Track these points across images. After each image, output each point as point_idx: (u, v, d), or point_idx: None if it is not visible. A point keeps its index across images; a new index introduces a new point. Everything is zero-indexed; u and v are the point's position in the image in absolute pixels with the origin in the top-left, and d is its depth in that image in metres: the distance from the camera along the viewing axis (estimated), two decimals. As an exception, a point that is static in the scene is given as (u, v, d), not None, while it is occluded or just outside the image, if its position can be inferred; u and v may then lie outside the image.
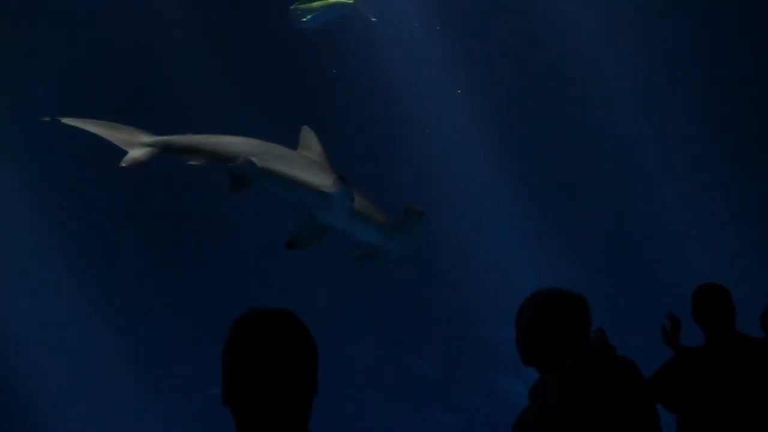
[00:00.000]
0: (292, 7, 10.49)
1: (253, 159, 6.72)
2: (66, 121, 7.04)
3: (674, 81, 13.09)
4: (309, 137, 7.37)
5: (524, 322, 2.68)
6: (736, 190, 12.98)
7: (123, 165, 6.89)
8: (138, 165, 6.99)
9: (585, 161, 13.77)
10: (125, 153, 6.95)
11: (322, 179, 6.77)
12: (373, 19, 11.72)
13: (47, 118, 7.03)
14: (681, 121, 13.27)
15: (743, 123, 13.04)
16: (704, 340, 4.38)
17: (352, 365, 12.19)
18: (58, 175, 12.53)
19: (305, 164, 7.00)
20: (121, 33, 12.06)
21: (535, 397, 2.75)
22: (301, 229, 7.05)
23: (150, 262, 12.94)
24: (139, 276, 12.91)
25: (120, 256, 12.99)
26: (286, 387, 1.86)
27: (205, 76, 12.24)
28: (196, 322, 12.36)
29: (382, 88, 12.96)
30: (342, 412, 11.27)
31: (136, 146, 6.98)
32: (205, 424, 11.48)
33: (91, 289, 12.65)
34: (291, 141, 7.41)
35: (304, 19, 10.18)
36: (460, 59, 13.39)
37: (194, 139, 7.06)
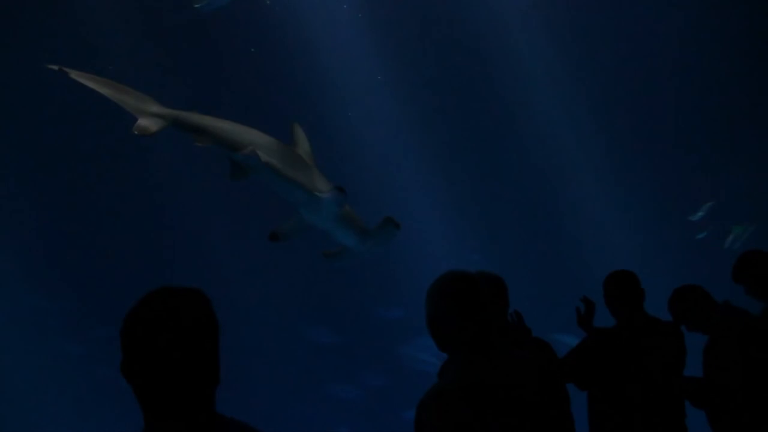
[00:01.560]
0: None
1: (258, 152, 6.88)
2: (75, 75, 6.77)
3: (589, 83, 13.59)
4: (299, 135, 7.63)
5: (431, 304, 2.71)
6: (645, 184, 13.60)
7: (135, 133, 6.84)
8: (149, 135, 6.91)
9: (503, 148, 14.06)
10: (134, 117, 6.90)
11: (318, 183, 7.13)
12: (268, 2, 11.72)
13: (54, 67, 6.71)
14: (597, 119, 13.73)
15: (651, 125, 13.64)
16: (615, 323, 4.59)
17: (254, 343, 12.13)
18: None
19: (304, 165, 7.27)
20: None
21: (441, 376, 2.81)
22: (287, 223, 7.42)
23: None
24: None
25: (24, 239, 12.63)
26: (184, 365, 1.86)
27: (133, 50, 12.11)
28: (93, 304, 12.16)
29: (303, 69, 12.89)
30: (243, 387, 11.21)
31: (147, 115, 6.93)
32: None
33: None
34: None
35: (197, 5, 10.16)
36: (382, 42, 13.43)
37: (204, 120, 7.10)
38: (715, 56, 12.90)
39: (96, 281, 12.88)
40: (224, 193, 12.74)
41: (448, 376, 2.68)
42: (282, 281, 13.01)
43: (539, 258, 13.53)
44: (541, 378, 2.74)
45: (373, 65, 13.63)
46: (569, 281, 12.16)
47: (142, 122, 6.86)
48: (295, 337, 13.03)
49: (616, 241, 13.31)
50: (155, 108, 7.00)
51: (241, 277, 12.68)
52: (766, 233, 11.41)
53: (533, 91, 14.00)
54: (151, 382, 1.87)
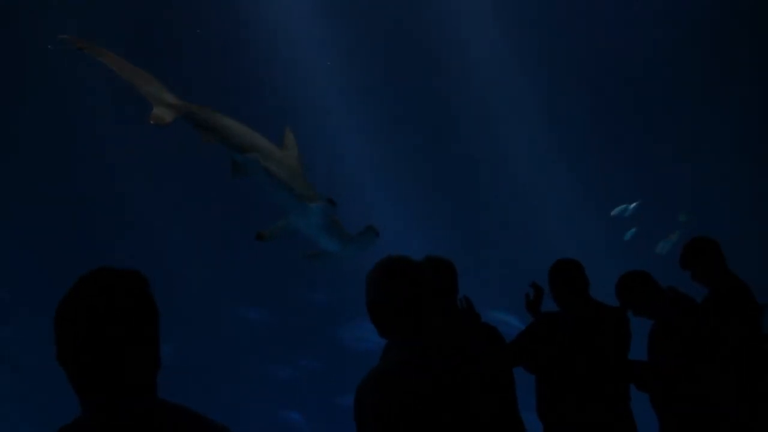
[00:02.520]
0: None
1: (258, 156, 7.22)
2: (91, 50, 6.71)
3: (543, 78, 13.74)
4: (290, 139, 7.96)
5: (371, 289, 2.69)
6: (592, 177, 13.83)
7: (151, 122, 6.97)
8: (162, 125, 7.01)
9: (451, 139, 14.14)
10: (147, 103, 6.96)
11: (308, 191, 7.53)
12: None
13: (65, 36, 6.73)
14: (545, 109, 13.89)
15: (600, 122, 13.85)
16: (559, 309, 4.63)
17: (189, 319, 12.00)
18: None
19: (297, 173, 7.63)
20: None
21: (382, 360, 2.80)
22: (274, 226, 7.76)
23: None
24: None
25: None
26: (120, 348, 1.80)
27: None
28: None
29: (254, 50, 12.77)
30: (179, 366, 11.08)
31: (162, 104, 7.04)
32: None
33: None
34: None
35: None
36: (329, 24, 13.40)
37: (214, 118, 7.29)
38: (658, 41, 13.16)
39: (29, 267, 12.57)
40: (160, 175, 12.57)
41: (388, 359, 2.66)
42: (217, 261, 12.88)
43: (479, 241, 13.62)
44: (485, 362, 2.72)
45: (321, 51, 13.61)
46: (509, 263, 12.42)
47: (158, 111, 6.96)
48: (231, 318, 12.91)
49: (563, 229, 13.47)
50: (170, 98, 7.09)
51: (177, 258, 12.50)
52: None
53: (484, 81, 14.10)
54: (85, 367, 1.80)
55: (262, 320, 12.82)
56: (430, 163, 14.25)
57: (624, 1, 13.39)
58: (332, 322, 12.40)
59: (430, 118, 14.14)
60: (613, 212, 12.52)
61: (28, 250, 12.67)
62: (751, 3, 12.82)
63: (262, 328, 12.77)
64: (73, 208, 12.86)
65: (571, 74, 13.73)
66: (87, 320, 1.80)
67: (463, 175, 14.33)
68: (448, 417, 2.52)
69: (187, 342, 11.74)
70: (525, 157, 14.30)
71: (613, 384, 4.39)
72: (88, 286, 1.85)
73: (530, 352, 4.38)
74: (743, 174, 13.08)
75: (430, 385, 2.53)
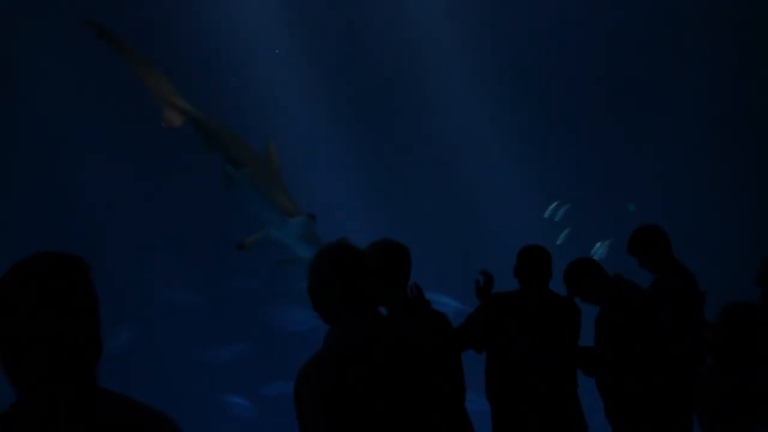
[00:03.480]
0: None
1: (249, 172, 7.57)
2: (110, 42, 6.81)
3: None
4: (272, 151, 8.42)
5: (313, 274, 2.70)
6: (547, 162, 13.99)
7: (163, 125, 7.22)
8: (172, 129, 7.28)
9: (412, 122, 14.15)
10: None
11: (291, 208, 7.95)
12: None
13: (90, 21, 6.80)
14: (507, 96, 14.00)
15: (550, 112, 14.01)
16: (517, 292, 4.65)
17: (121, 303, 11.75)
18: None
19: (281, 188, 8.03)
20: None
21: (322, 346, 2.78)
22: (254, 236, 8.16)
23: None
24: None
25: None
26: (54, 334, 1.73)
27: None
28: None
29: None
30: (116, 354, 10.85)
31: (171, 107, 7.26)
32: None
33: None
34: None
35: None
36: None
37: (217, 128, 7.63)
38: (603, 30, 13.38)
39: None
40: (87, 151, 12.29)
41: (329, 346, 2.66)
42: (149, 245, 12.67)
43: (426, 228, 13.67)
44: (429, 348, 2.72)
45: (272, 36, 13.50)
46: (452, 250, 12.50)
47: (168, 115, 7.23)
48: (164, 303, 12.70)
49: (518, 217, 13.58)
50: (180, 101, 7.37)
51: (110, 243, 12.26)
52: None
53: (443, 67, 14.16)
54: (20, 355, 1.73)
55: (195, 305, 12.67)
56: (375, 147, 14.25)
57: None
58: (264, 305, 12.25)
59: (378, 104, 14.11)
60: (546, 213, 12.68)
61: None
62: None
63: (195, 313, 12.61)
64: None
65: (517, 63, 13.83)
66: (21, 307, 1.73)
67: (410, 162, 14.37)
68: (387, 405, 2.53)
69: (121, 327, 11.62)
70: (471, 143, 14.36)
71: (561, 368, 4.43)
72: (23, 271, 1.77)
73: (479, 336, 4.40)
74: (686, 165, 13.39)
75: (369, 373, 2.53)
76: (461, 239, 13.48)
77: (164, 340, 12.49)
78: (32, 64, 12.00)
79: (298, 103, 13.72)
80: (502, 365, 4.39)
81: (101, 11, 9.39)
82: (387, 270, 3.65)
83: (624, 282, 4.91)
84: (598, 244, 11.94)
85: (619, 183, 13.66)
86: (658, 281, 5.01)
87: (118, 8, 11.41)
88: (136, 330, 12.13)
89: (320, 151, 13.88)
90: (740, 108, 13.17)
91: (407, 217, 13.23)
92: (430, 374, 2.66)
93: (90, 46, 7.60)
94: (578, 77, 13.66)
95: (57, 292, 1.75)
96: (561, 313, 4.48)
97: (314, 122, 13.93)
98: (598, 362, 4.75)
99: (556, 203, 12.63)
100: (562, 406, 4.35)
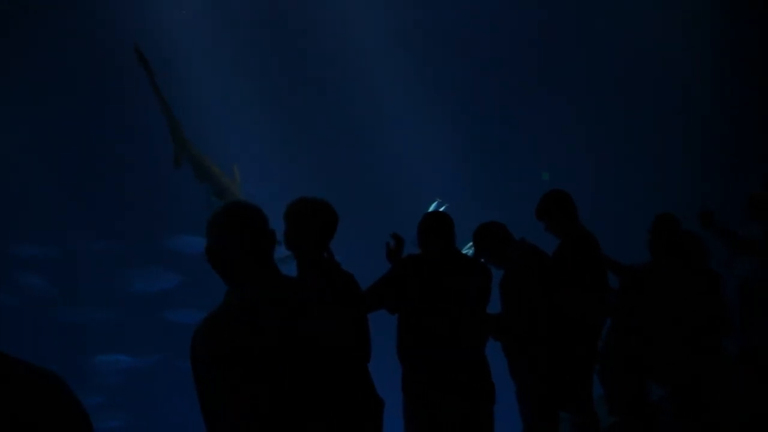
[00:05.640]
0: None
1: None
2: (143, 59, 7.89)
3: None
4: (237, 175, 9.16)
5: (212, 232, 2.64)
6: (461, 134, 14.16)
7: (174, 165, 8.51)
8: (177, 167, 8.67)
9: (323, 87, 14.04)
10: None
11: None
12: None
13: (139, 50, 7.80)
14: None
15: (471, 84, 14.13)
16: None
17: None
18: None
19: None
20: None
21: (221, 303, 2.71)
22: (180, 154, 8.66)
23: None
24: None
25: None
26: None
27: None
28: None
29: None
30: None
31: (182, 150, 8.53)
32: None
33: None
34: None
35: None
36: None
37: (207, 163, 8.68)
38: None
39: None
40: None
41: (227, 303, 2.61)
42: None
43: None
44: (332, 309, 2.70)
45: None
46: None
47: (177, 157, 8.54)
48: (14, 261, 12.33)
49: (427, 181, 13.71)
50: (188, 145, 8.50)
51: None
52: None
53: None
54: None
55: (50, 268, 12.32)
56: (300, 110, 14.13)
57: None
58: (124, 267, 12.02)
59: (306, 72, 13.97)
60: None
61: None
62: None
63: (49, 275, 12.26)
64: None
65: (450, 45, 13.91)
66: None
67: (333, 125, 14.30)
68: (285, 366, 2.49)
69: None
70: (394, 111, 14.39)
71: (467, 327, 4.45)
72: None
73: (388, 296, 4.38)
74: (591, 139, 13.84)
75: (266, 333, 2.49)
76: (375, 206, 13.53)
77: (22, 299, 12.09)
78: None
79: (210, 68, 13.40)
80: (411, 325, 4.40)
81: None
82: (306, 229, 3.64)
83: (527, 245, 5.00)
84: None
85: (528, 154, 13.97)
86: (562, 245, 5.12)
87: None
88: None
89: (240, 115, 13.66)
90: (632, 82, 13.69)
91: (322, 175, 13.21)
92: (331, 336, 2.62)
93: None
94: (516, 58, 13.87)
95: None
96: (466, 273, 4.50)
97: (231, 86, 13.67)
98: (503, 325, 4.83)
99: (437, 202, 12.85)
100: (470, 365, 4.40)
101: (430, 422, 4.34)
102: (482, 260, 4.84)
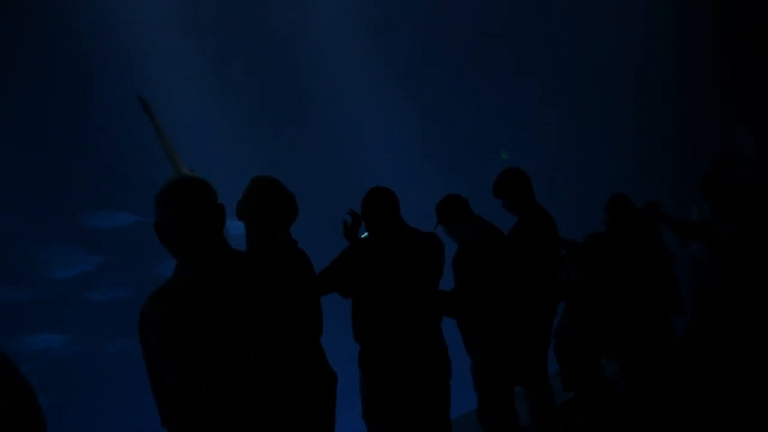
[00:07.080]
0: None
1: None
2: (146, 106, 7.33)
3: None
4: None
5: (159, 207, 2.64)
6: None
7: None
8: None
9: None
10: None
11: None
12: None
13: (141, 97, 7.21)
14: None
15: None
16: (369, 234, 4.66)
17: None
18: None
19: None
20: None
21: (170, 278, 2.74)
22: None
23: None
24: None
25: None
26: None
27: None
28: None
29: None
30: None
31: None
32: None
33: None
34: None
35: None
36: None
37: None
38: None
39: None
40: None
41: (174, 277, 2.63)
42: None
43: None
44: (278, 280, 2.70)
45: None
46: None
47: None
48: None
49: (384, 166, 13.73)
50: (183, 168, 7.95)
51: None
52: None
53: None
54: None
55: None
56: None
57: None
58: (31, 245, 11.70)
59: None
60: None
61: None
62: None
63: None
64: None
65: (408, 21, 13.89)
66: None
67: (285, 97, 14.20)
68: (232, 341, 2.49)
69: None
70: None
71: (422, 304, 4.46)
72: None
73: (340, 276, 4.38)
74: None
75: (211, 305, 2.49)
76: (332, 186, 13.52)
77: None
78: None
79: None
80: (365, 304, 4.40)
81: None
82: (257, 202, 3.68)
83: (482, 222, 5.04)
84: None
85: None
86: (518, 223, 5.18)
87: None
88: None
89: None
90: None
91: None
92: (281, 309, 2.63)
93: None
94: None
95: None
96: (418, 248, 4.49)
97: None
98: (456, 301, 4.87)
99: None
100: (425, 342, 4.42)
101: (387, 398, 4.36)
102: (438, 228, 4.89)
